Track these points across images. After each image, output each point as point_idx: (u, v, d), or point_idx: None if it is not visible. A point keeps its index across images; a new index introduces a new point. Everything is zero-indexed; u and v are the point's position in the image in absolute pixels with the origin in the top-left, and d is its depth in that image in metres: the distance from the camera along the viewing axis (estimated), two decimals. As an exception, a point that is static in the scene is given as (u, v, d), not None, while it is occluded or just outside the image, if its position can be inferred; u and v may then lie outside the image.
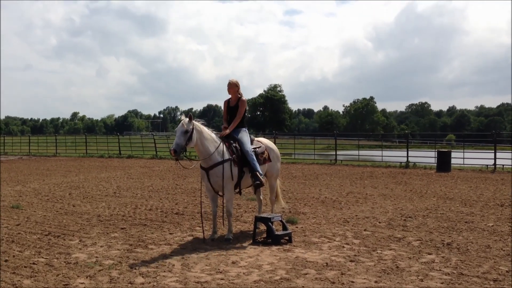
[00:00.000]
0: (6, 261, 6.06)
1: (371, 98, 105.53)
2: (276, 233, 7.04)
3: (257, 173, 7.29)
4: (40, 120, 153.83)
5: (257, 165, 7.37)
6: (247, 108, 7.74)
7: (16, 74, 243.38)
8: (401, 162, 22.15)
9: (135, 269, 5.67)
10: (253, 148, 7.56)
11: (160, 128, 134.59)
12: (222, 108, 7.91)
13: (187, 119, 6.88)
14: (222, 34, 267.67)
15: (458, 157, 21.25)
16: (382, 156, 24.44)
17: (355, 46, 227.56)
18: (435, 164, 20.08)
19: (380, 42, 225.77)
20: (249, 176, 7.40)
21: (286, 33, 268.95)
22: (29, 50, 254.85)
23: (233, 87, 7.58)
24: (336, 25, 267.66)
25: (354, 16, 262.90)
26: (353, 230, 7.92)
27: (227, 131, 7.43)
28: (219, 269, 5.66)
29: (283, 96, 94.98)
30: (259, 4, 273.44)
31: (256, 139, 8.04)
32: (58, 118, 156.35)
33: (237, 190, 7.51)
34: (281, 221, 7.35)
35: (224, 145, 7.23)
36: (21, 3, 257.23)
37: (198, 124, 7.05)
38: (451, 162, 19.81)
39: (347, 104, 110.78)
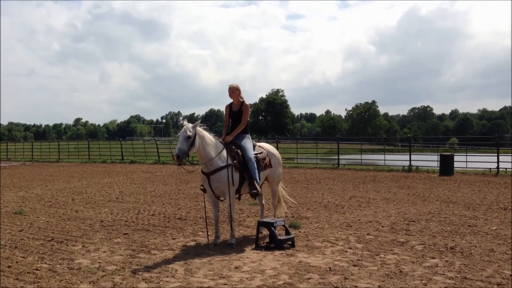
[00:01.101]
0: (9, 267, 6.07)
1: (373, 102, 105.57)
2: (279, 237, 7.03)
3: (255, 182, 7.28)
4: (43, 126, 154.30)
5: (257, 173, 7.36)
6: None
7: (19, 80, 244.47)
8: (403, 166, 22.12)
9: (138, 274, 5.67)
10: (255, 153, 7.55)
11: (163, 133, 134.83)
12: (224, 112, 7.90)
13: (190, 124, 6.89)
14: (224, 38, 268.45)
15: (461, 161, 21.21)
16: (384, 160, 24.40)
17: (358, 50, 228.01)
18: (438, 168, 20.04)
19: (382, 46, 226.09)
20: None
21: (289, 38, 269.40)
22: (32, 55, 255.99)
23: (234, 91, 7.56)
24: (338, 29, 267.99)
25: (356, 20, 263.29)
26: (356, 234, 7.90)
27: (229, 137, 7.41)
28: (222, 274, 5.66)
29: (285, 100, 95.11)
30: (262, 8, 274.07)
31: (257, 144, 8.03)
32: (61, 124, 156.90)
33: (237, 195, 7.50)
34: (284, 225, 7.34)
35: (226, 151, 7.24)
36: (24, 9, 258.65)
37: (200, 130, 7.06)
38: (454, 166, 19.78)
39: (349, 108, 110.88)
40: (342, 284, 5.22)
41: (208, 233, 7.79)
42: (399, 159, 23.92)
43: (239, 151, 7.37)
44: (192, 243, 7.41)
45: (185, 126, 6.83)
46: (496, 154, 20.88)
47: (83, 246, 7.23)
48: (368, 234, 7.87)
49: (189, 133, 6.77)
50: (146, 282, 5.38)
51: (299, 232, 8.06)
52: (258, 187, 7.30)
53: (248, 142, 7.50)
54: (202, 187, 7.55)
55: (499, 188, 14.53)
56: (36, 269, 5.94)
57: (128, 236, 7.92)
